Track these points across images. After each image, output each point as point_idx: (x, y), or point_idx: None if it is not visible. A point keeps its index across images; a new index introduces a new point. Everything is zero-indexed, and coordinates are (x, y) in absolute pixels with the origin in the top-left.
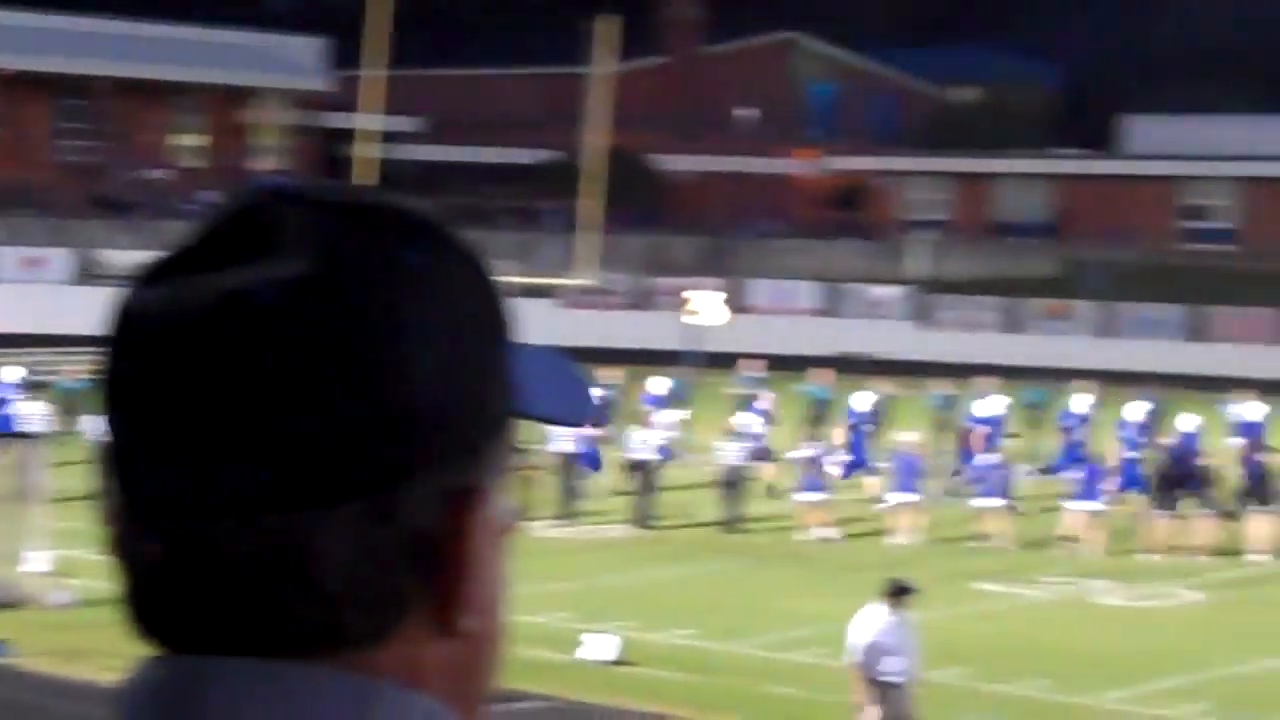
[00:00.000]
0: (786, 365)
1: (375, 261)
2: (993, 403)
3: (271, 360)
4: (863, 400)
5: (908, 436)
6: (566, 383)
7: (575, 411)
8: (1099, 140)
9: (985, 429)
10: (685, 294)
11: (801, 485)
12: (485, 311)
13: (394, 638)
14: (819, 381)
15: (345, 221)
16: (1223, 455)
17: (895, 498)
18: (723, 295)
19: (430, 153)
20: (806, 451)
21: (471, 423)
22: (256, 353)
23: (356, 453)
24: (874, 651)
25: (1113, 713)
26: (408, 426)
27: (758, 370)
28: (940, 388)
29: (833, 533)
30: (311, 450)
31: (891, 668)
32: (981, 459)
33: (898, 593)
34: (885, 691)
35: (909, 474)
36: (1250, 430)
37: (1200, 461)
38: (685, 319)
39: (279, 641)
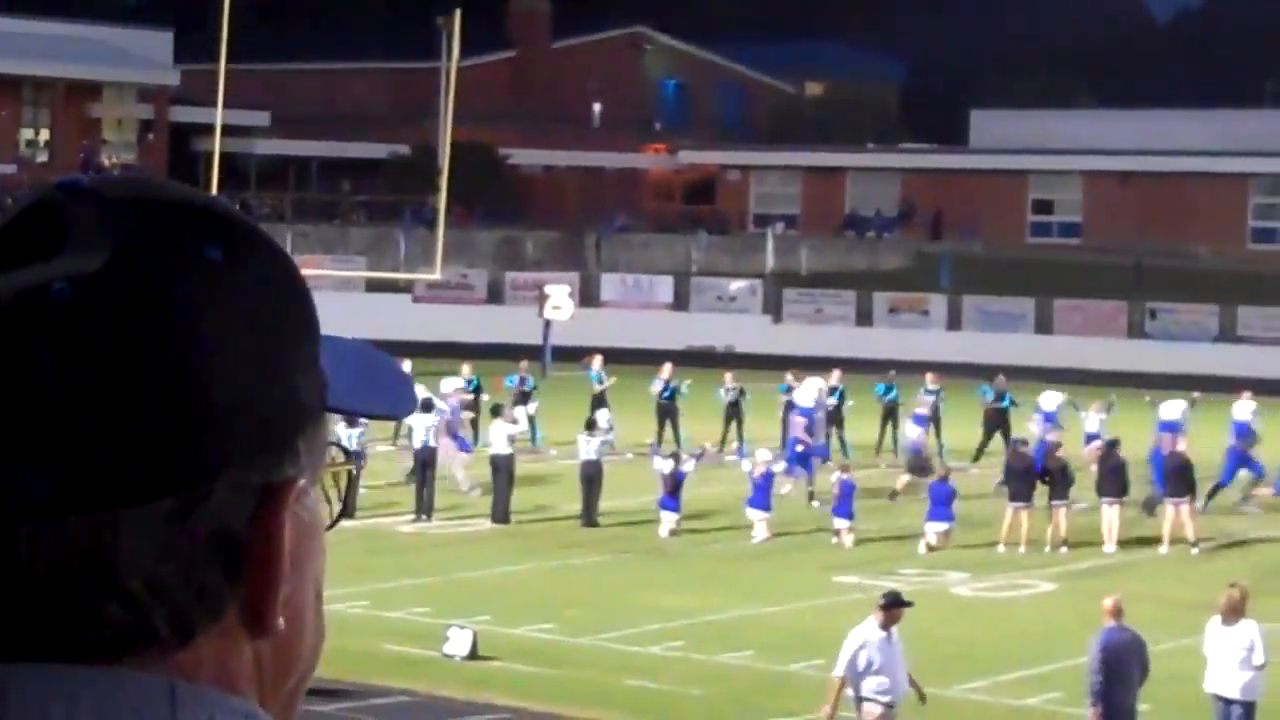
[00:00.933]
0: (639, 359)
1: (171, 257)
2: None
3: (64, 358)
4: (806, 395)
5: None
6: (383, 377)
7: (393, 405)
8: (947, 134)
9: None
10: (538, 289)
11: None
12: (289, 306)
13: (204, 638)
14: (664, 375)
15: (141, 217)
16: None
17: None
18: (575, 289)
19: (281, 147)
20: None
21: (278, 418)
22: (49, 350)
23: (157, 451)
24: (866, 671)
25: (967, 703)
26: (209, 423)
27: (599, 365)
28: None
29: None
30: (110, 449)
31: (879, 688)
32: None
33: (891, 605)
34: (870, 712)
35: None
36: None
37: (1056, 455)
38: (538, 314)
39: (85, 645)
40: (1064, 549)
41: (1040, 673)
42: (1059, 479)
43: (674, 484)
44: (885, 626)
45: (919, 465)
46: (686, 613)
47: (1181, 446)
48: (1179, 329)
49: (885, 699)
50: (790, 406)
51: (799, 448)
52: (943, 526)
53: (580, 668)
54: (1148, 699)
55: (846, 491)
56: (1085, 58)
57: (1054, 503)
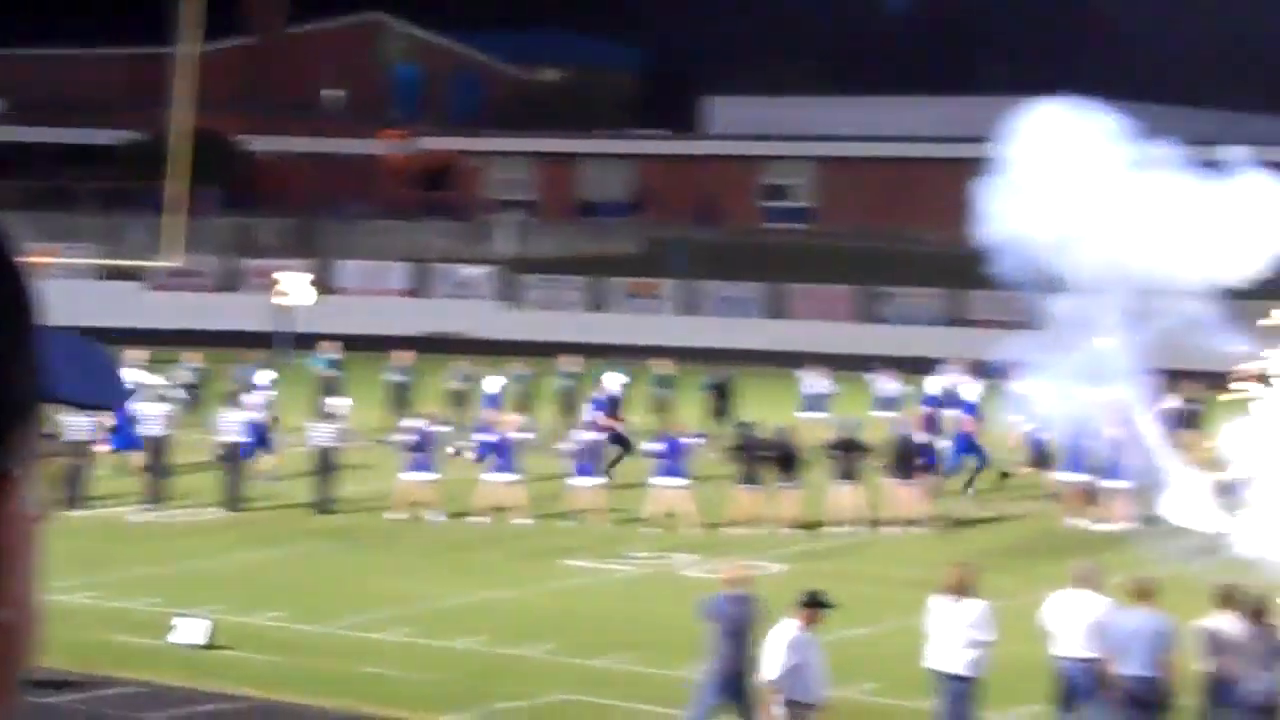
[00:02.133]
0: (375, 346)
1: None
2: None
3: None
4: (493, 383)
5: (511, 417)
6: (95, 366)
7: (105, 395)
8: (681, 121)
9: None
10: (273, 276)
11: (407, 466)
12: (4, 296)
13: None
14: (401, 363)
15: None
16: (806, 429)
17: (494, 477)
18: (311, 276)
19: (10, 134)
20: (411, 433)
21: None
22: None
23: None
24: (794, 673)
25: (690, 683)
26: None
27: (336, 351)
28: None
29: (435, 515)
30: None
31: (804, 689)
32: (579, 435)
33: (811, 605)
34: (799, 714)
35: (507, 453)
36: (890, 404)
37: (785, 436)
38: (274, 301)
39: None
40: (793, 530)
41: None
42: (788, 461)
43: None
44: (806, 627)
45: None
46: (419, 598)
47: (905, 429)
48: (908, 312)
49: (808, 701)
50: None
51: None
52: (676, 482)
53: (313, 655)
54: (872, 678)
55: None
56: (812, 44)
57: (783, 484)
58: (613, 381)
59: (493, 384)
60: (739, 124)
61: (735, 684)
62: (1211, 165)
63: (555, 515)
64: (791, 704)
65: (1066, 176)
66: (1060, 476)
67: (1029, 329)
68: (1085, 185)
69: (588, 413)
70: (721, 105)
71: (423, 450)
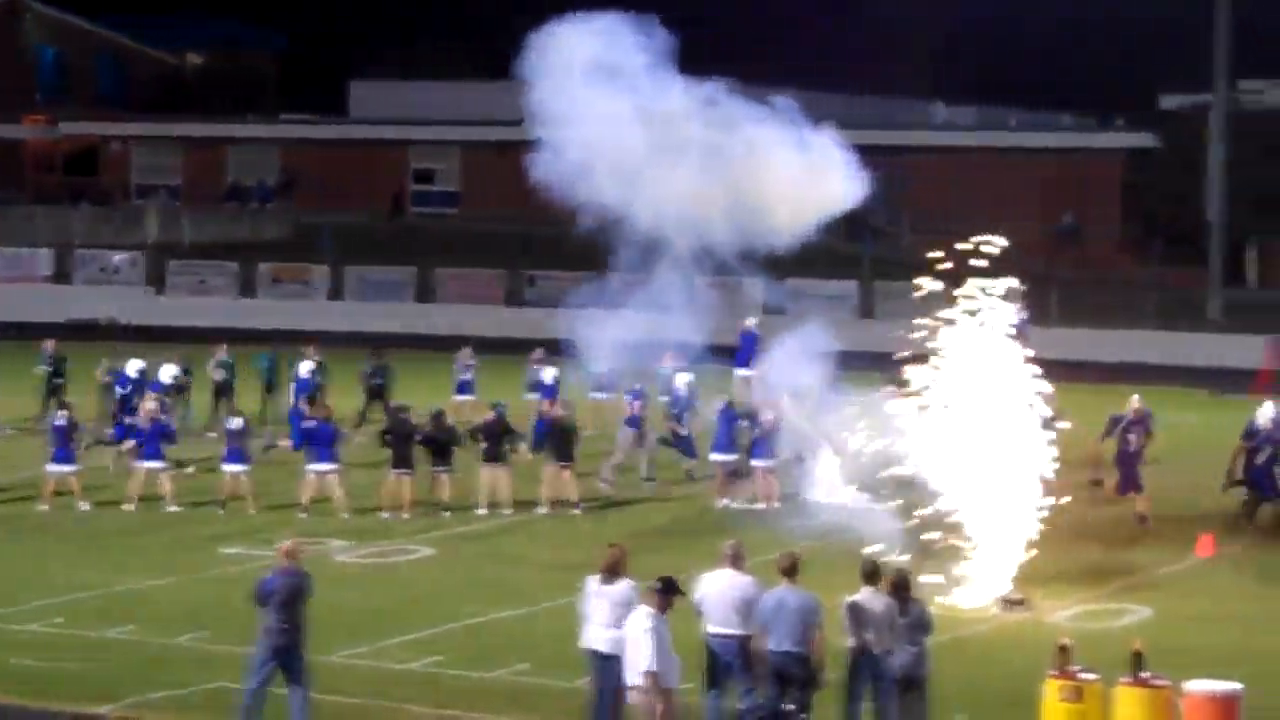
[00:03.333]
0: (21, 334)
1: None
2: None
3: None
4: (167, 371)
5: (149, 405)
6: None
7: None
8: (327, 105)
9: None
10: None
11: (52, 455)
12: None
13: None
14: (47, 350)
15: None
16: (457, 412)
17: (147, 464)
18: None
19: None
20: (59, 420)
21: None
22: None
23: None
24: (660, 658)
25: (352, 668)
26: None
27: None
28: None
29: (83, 505)
30: None
31: (664, 675)
32: (233, 423)
33: (667, 591)
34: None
35: (155, 440)
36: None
37: (442, 421)
38: None
39: None
40: (446, 513)
41: (422, 636)
42: (439, 444)
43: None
44: (660, 613)
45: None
46: (70, 588)
47: (560, 410)
48: (554, 295)
49: (665, 685)
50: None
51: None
52: (328, 467)
53: None
54: (526, 658)
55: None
56: (461, 28)
57: (435, 468)
58: (306, 369)
59: (165, 373)
60: (384, 108)
61: (287, 654)
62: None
63: (207, 503)
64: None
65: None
66: (712, 457)
67: (677, 311)
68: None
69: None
70: (366, 89)
71: (66, 440)
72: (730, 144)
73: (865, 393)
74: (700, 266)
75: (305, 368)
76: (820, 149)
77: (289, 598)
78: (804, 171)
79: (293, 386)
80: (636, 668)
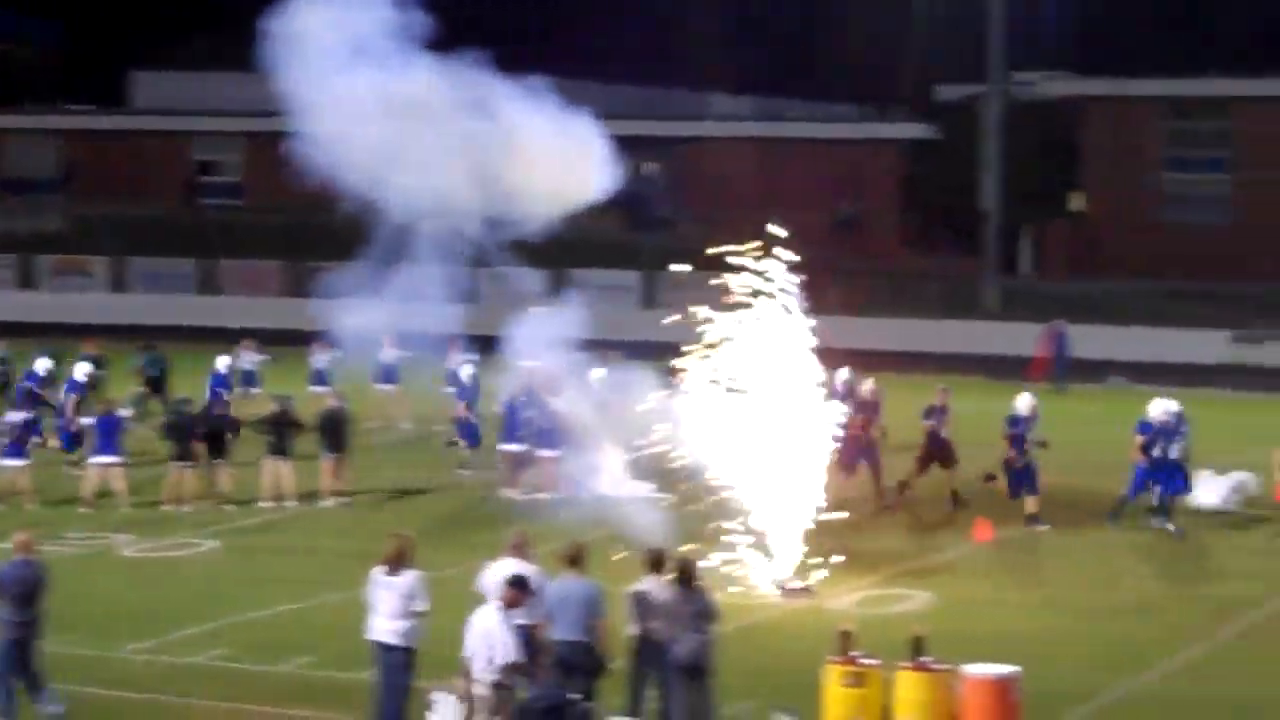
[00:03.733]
0: None
1: None
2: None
3: None
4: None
5: None
6: None
7: None
8: (107, 96)
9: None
10: None
11: None
12: None
13: None
14: None
15: None
16: (239, 405)
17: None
18: None
19: None
20: None
21: None
22: None
23: None
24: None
25: (136, 663)
26: None
27: None
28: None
29: None
30: None
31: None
32: (9, 416)
33: (518, 587)
34: (504, 695)
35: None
36: (324, 379)
37: (217, 412)
38: None
39: None
40: (229, 507)
41: (207, 630)
42: (220, 437)
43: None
44: (510, 606)
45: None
46: None
47: (335, 402)
48: (337, 287)
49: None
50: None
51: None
52: (110, 460)
53: None
54: (309, 651)
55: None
56: (242, 18)
57: (216, 460)
58: (82, 371)
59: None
60: (166, 99)
61: (20, 650)
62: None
63: None
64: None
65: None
66: (499, 447)
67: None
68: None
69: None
70: (148, 80)
71: None
72: (485, 129)
73: (648, 382)
74: (461, 255)
75: (81, 369)
76: (577, 136)
77: (24, 590)
78: (558, 158)
79: (65, 386)
80: (492, 660)
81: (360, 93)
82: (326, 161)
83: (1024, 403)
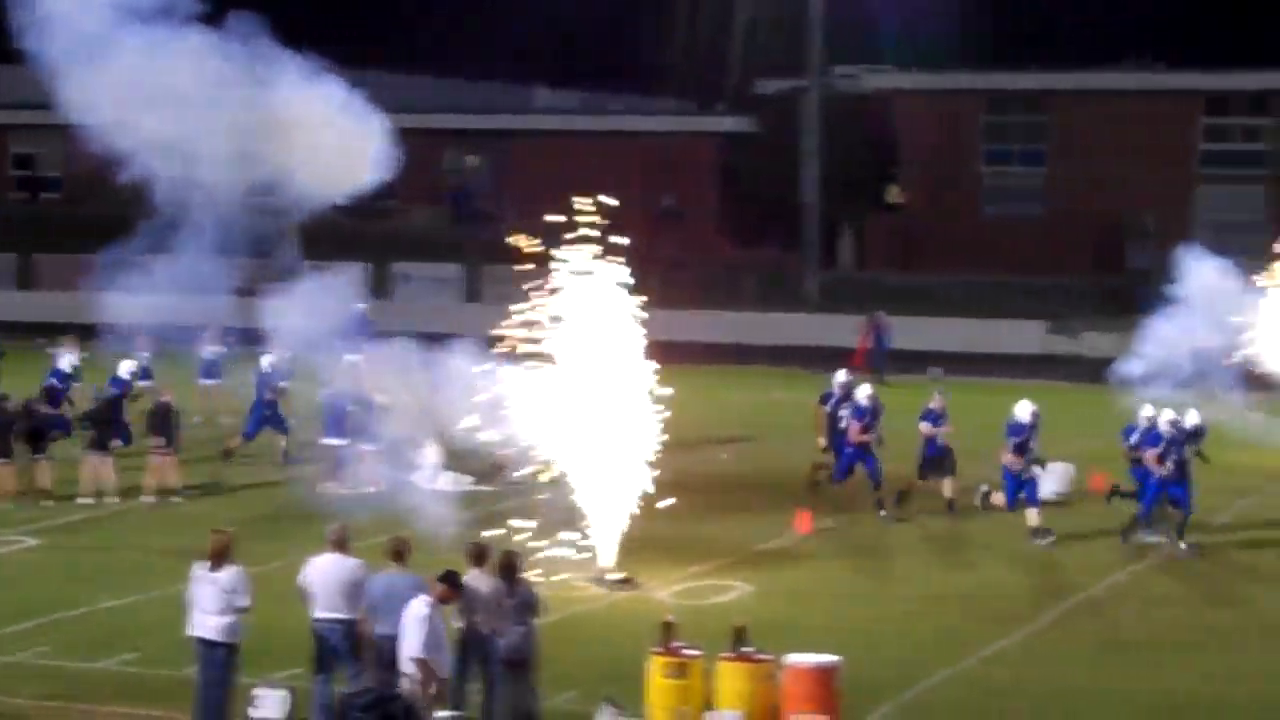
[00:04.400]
0: None
1: None
2: None
3: None
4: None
5: None
6: None
7: None
8: None
9: None
10: None
11: None
12: None
13: None
14: None
15: None
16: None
17: None
18: None
19: None
20: None
21: None
22: None
23: None
24: (434, 649)
25: None
26: None
27: None
28: None
29: None
30: None
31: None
32: None
33: (450, 581)
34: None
35: None
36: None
37: (34, 407)
38: None
39: None
40: (49, 503)
41: (28, 628)
42: (37, 433)
43: None
44: (443, 602)
45: None
46: None
47: (163, 397)
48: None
49: (443, 675)
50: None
51: None
52: None
53: None
54: (132, 648)
55: None
56: None
57: (34, 456)
58: None
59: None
60: None
61: None
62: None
63: None
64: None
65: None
66: (321, 441)
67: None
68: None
69: None
70: None
71: None
72: (254, 109)
73: (471, 373)
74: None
75: None
76: (354, 124)
77: None
78: (333, 145)
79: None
80: (407, 654)
81: (124, 75)
82: (101, 149)
83: (1024, 409)
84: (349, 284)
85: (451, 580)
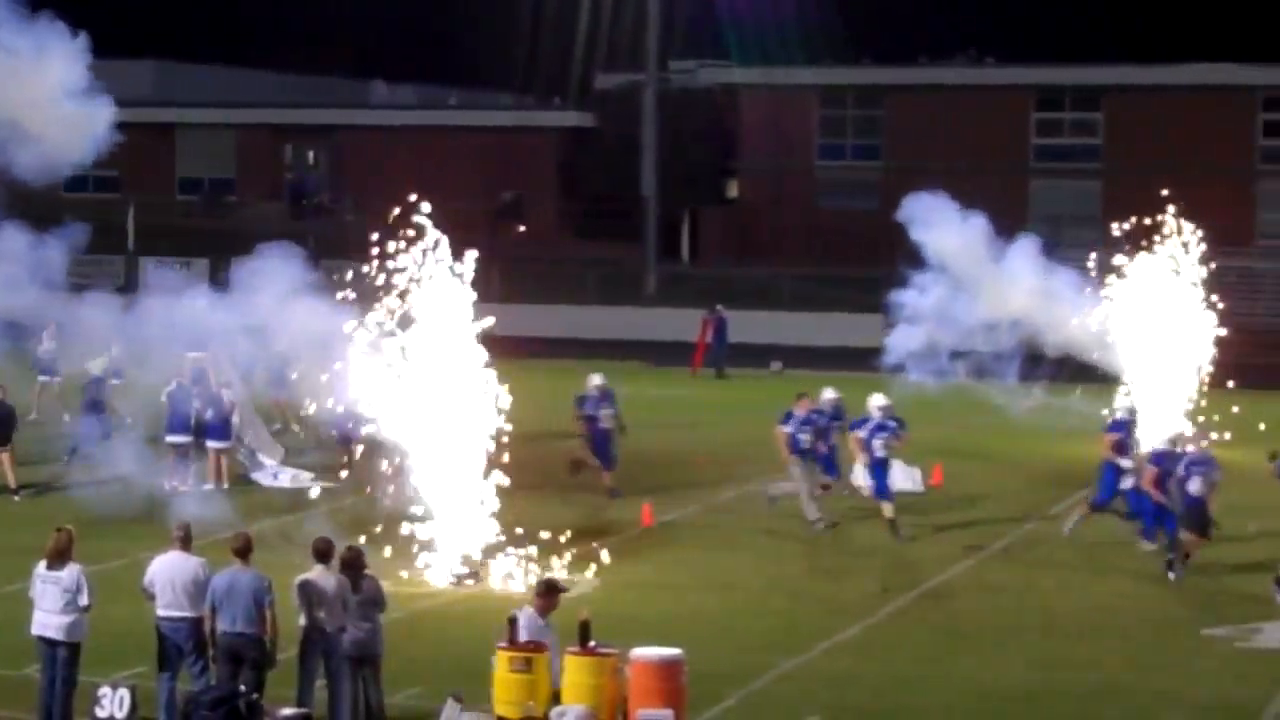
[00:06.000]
0: None
1: None
2: None
3: None
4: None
5: None
6: None
7: None
8: None
9: None
10: None
11: None
12: None
13: None
14: None
15: None
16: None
17: None
18: None
19: None
20: None
21: None
22: None
23: None
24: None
25: None
26: None
27: None
28: None
29: None
30: None
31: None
32: None
33: (548, 592)
34: None
35: None
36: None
37: None
38: None
39: None
40: None
41: None
42: None
43: None
44: (543, 614)
45: None
46: None
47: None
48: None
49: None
50: None
51: None
52: None
53: None
54: None
55: None
56: None
57: None
58: None
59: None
60: None
61: None
62: None
63: None
64: None
65: None
66: (166, 439)
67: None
68: None
69: None
70: None
71: None
72: None
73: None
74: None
75: None
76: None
77: None
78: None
79: None
80: None
81: None
82: None
83: (878, 401)
84: (189, 279)
85: (548, 588)
